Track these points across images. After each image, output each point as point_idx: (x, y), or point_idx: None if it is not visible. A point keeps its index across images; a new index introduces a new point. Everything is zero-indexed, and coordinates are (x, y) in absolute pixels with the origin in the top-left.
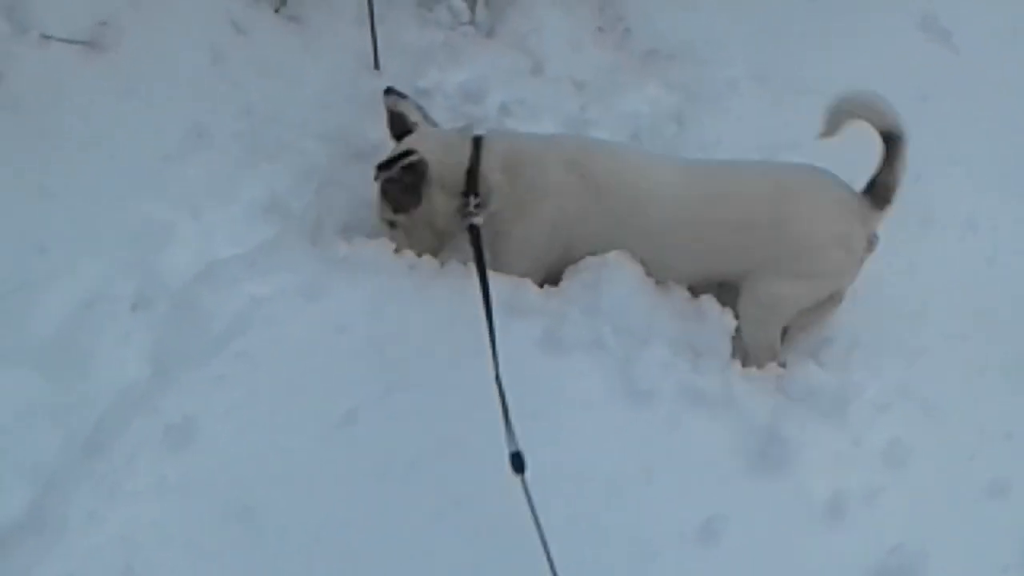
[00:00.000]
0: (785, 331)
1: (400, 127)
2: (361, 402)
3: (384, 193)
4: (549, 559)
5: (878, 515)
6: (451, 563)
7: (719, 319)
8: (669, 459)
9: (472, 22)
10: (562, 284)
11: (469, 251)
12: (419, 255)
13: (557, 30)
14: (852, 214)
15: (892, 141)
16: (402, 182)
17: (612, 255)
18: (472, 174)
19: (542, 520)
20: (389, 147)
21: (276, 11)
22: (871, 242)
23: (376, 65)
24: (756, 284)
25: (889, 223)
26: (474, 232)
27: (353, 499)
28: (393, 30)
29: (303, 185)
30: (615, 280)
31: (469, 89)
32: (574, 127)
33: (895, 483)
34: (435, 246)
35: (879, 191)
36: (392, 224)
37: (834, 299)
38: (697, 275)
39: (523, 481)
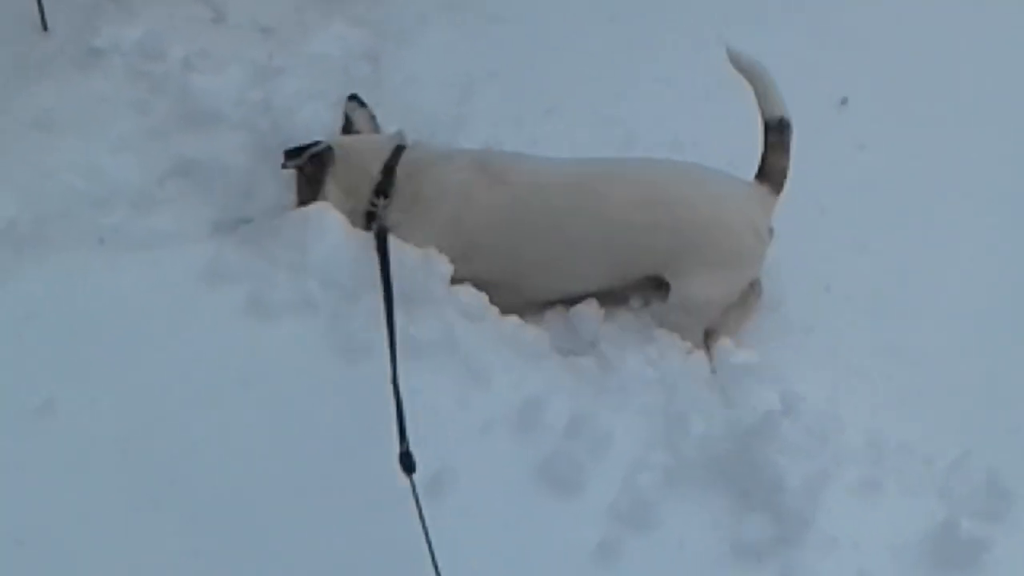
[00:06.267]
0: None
1: (347, 132)
2: (58, 390)
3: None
4: None
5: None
6: (166, 547)
7: (427, 264)
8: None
9: None
10: (264, 243)
11: None
12: None
13: None
14: (754, 201)
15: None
16: (304, 172)
17: (312, 207)
18: (388, 175)
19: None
20: (66, 114)
21: None
22: (770, 231)
23: (44, 26)
24: (677, 285)
25: None
26: (381, 237)
27: (57, 491)
28: None
29: None
30: (320, 235)
31: (147, 45)
32: (263, 76)
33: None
34: None
35: (775, 176)
36: None
37: (754, 290)
38: (608, 278)
39: (411, 481)
